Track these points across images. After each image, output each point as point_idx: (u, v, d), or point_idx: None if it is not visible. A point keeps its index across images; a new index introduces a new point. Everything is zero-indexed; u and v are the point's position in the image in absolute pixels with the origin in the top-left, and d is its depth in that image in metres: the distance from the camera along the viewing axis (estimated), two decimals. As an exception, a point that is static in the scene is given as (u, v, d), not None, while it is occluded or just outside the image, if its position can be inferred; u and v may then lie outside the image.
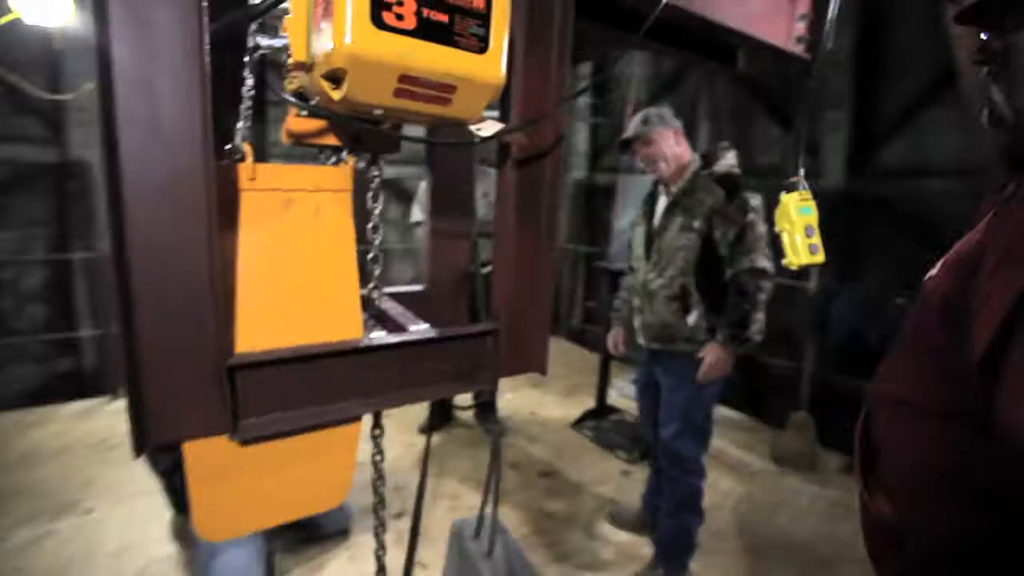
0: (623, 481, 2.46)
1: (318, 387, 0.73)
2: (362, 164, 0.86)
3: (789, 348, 3.37)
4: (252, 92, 0.75)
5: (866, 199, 3.90)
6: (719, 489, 2.28)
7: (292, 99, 0.69)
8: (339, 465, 0.81)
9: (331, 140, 0.80)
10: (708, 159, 1.75)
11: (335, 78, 0.60)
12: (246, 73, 0.75)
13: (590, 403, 3.11)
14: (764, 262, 1.58)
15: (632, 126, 1.78)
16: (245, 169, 0.69)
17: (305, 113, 0.74)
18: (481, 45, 0.63)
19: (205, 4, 0.56)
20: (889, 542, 0.68)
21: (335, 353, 0.73)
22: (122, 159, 0.56)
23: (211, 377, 0.65)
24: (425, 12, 0.58)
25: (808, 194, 0.79)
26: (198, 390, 0.64)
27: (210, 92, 0.59)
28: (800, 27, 1.38)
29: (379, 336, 0.80)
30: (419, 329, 0.85)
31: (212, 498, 0.71)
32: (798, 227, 0.81)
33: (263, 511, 0.76)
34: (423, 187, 2.90)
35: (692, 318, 1.69)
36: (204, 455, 0.68)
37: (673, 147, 1.73)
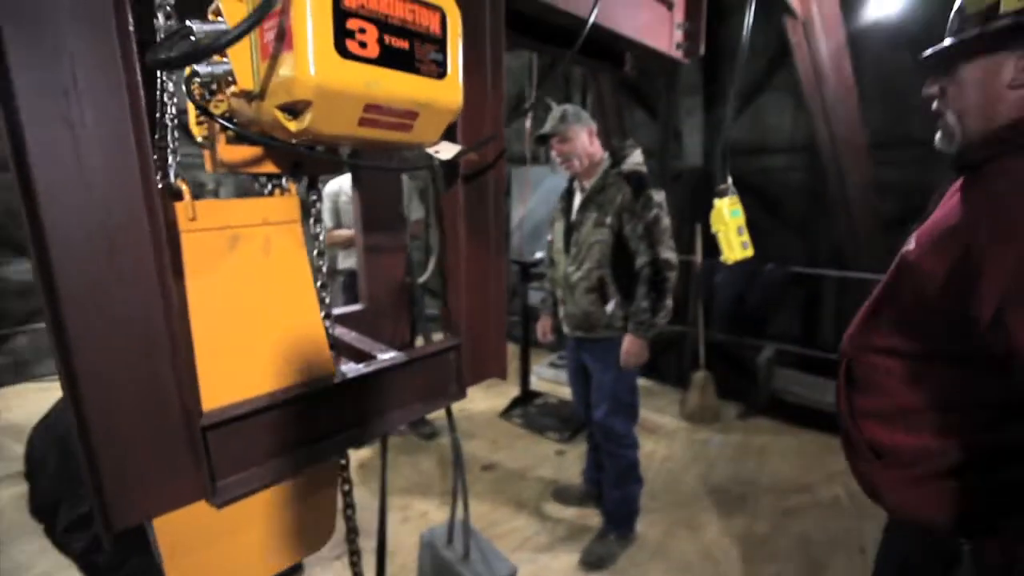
0: (559, 461, 2.59)
1: (296, 431, 0.69)
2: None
3: (681, 316, 3.76)
4: (175, 121, 0.68)
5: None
6: (644, 452, 2.49)
7: (229, 125, 0.64)
8: (324, 504, 0.78)
9: (269, 168, 0.75)
10: (616, 155, 1.88)
11: (294, 110, 0.57)
12: (165, 98, 0.67)
13: (513, 392, 3.21)
14: (669, 253, 1.74)
15: (550, 122, 1.84)
16: (183, 208, 0.62)
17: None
18: (440, 70, 0.64)
19: (132, 29, 0.50)
20: (874, 459, 0.85)
21: (311, 394, 0.70)
22: (42, 208, 0.49)
23: (182, 442, 0.59)
24: (387, 39, 0.58)
25: (736, 199, 0.92)
26: (168, 459, 0.58)
27: (147, 127, 0.53)
28: (679, 35, 1.55)
29: (351, 368, 0.77)
30: (388, 355, 0.83)
31: (194, 571, 0.64)
32: (731, 228, 0.93)
33: (251, 570, 0.70)
34: (326, 192, 2.76)
35: (610, 307, 1.82)
36: (178, 527, 0.62)
37: (587, 145, 1.83)
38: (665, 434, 2.81)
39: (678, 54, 1.56)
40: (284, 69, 0.54)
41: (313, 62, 0.52)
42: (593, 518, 2.10)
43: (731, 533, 2.08)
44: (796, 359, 3.60)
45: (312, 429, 0.71)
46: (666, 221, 1.74)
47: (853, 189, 3.38)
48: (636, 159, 1.85)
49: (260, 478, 0.66)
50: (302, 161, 0.77)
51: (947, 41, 0.81)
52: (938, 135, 0.86)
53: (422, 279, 1.25)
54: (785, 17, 2.80)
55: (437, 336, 0.97)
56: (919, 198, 3.88)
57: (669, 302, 1.76)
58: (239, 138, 0.69)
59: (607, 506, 2.01)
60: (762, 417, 2.95)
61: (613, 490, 1.97)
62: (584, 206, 1.85)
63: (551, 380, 3.44)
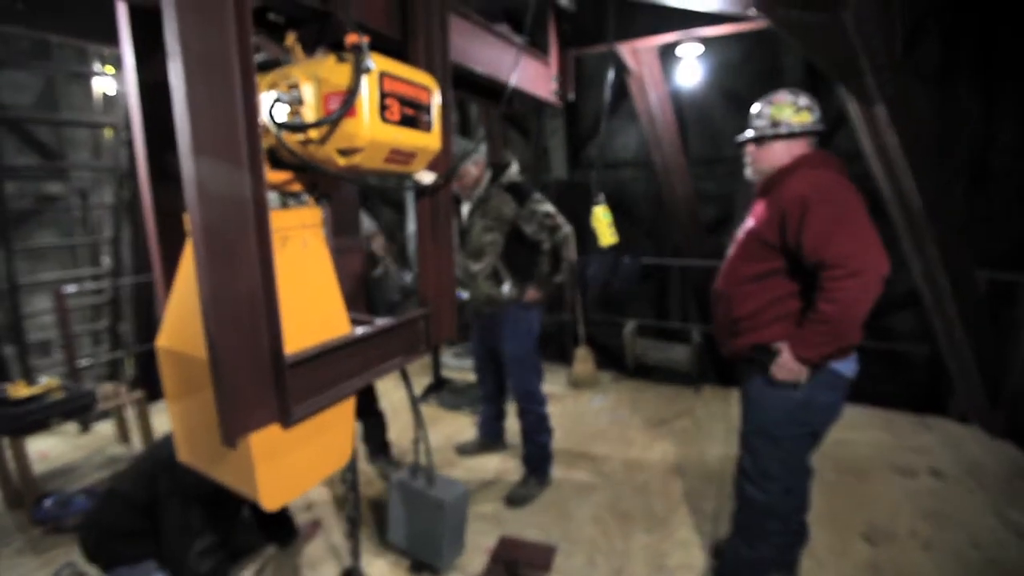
0: (475, 429, 2.99)
1: (335, 372, 0.99)
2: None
3: (562, 303, 4.40)
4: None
5: (581, 185, 5.27)
6: (541, 411, 3.00)
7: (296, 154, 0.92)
8: (345, 430, 1.06)
9: (296, 187, 1.03)
10: (496, 168, 2.28)
11: (347, 152, 0.89)
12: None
13: (424, 381, 3.54)
14: (566, 228, 2.20)
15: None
16: (256, 217, 0.89)
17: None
18: (429, 126, 0.99)
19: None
20: (737, 336, 1.54)
21: (345, 345, 1.00)
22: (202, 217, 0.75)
23: (270, 378, 0.86)
24: (404, 109, 0.92)
25: (607, 206, 1.41)
26: (262, 389, 0.85)
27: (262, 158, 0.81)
28: (554, 84, 2.06)
29: (363, 329, 1.08)
30: (383, 321, 1.15)
31: (272, 474, 0.90)
32: (604, 224, 1.41)
33: (305, 476, 0.98)
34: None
35: (505, 287, 2.26)
36: (264, 441, 0.88)
37: (475, 175, 2.23)
38: (557, 398, 3.36)
39: (554, 99, 2.07)
40: (348, 127, 0.86)
41: (368, 125, 0.86)
42: (512, 473, 2.52)
43: (616, 458, 2.71)
44: (652, 331, 4.44)
45: (343, 372, 1.01)
46: (551, 208, 2.21)
47: (680, 198, 4.30)
48: (513, 171, 2.28)
49: (315, 405, 0.94)
50: (317, 181, 1.06)
51: (757, 130, 1.50)
52: (748, 171, 1.57)
53: (375, 273, 1.56)
54: (624, 73, 3.58)
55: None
56: (729, 204, 5.02)
57: (567, 264, 2.27)
58: (280, 164, 0.97)
59: (527, 455, 2.43)
60: (631, 380, 3.66)
61: (530, 442, 2.41)
62: (472, 213, 2.28)
63: (456, 368, 3.80)
